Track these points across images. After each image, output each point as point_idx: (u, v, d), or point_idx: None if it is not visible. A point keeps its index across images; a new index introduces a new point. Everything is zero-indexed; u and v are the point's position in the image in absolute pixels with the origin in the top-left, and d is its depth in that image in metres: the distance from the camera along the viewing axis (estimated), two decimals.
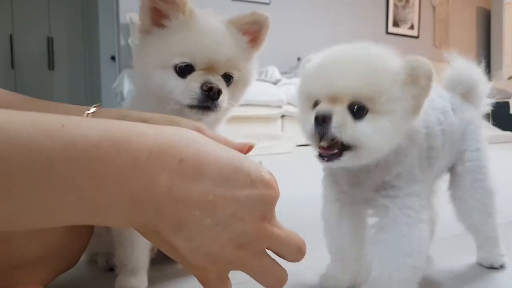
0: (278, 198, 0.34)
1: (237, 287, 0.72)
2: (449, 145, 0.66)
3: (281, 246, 0.34)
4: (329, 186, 0.65)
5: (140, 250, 0.69)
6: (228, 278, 0.35)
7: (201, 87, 0.62)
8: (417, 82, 0.51)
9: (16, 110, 0.27)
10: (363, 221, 0.65)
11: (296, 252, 0.35)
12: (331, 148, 0.50)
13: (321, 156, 0.51)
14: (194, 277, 0.78)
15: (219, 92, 0.62)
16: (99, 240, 0.75)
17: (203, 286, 0.35)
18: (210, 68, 0.63)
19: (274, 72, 3.63)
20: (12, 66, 4.16)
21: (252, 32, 0.69)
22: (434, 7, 5.18)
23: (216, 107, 0.63)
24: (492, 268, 0.75)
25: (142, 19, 0.65)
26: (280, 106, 3.19)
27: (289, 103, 3.18)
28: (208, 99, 0.62)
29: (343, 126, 0.49)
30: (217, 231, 0.31)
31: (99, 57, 3.69)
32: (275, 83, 3.37)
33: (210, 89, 0.61)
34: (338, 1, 4.41)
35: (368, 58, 0.52)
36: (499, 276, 0.74)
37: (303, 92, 0.56)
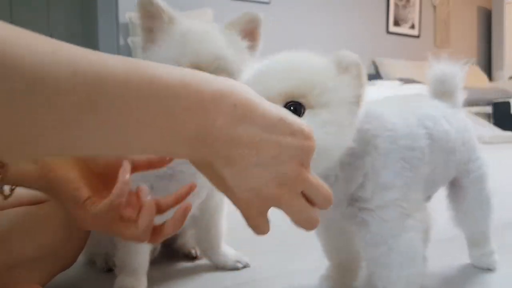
0: (314, 150, 0.39)
1: (237, 287, 0.72)
2: (445, 154, 0.64)
3: (313, 192, 0.39)
4: None
5: (142, 251, 0.69)
6: (267, 217, 0.40)
7: None
8: (348, 72, 0.51)
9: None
10: (347, 231, 0.64)
11: (324, 200, 0.40)
12: None
13: None
14: (189, 278, 0.77)
15: None
16: (98, 240, 0.75)
17: (245, 220, 0.40)
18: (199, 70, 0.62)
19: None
20: None
21: (250, 32, 0.69)
22: (435, 7, 5.18)
23: None
24: (487, 269, 0.76)
25: (141, 39, 0.68)
26: None
27: None
28: None
29: None
30: (260, 170, 0.36)
31: None
32: None
33: None
34: (338, 1, 4.40)
35: (293, 59, 0.53)
36: (494, 276, 0.74)
37: None
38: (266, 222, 0.40)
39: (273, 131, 0.36)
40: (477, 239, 0.76)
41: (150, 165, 0.50)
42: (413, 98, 0.73)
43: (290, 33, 3.85)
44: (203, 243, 0.81)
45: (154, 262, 0.76)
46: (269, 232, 0.41)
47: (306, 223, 0.40)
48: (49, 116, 0.29)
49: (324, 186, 0.40)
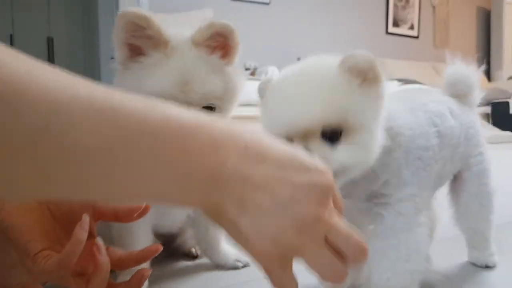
0: (332, 187, 0.36)
1: (237, 287, 0.72)
2: (451, 149, 0.65)
3: (339, 238, 0.36)
4: None
5: None
6: (292, 272, 0.37)
7: None
8: (366, 79, 0.50)
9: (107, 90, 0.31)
10: (360, 224, 0.65)
11: (356, 250, 0.37)
12: None
13: None
14: (189, 277, 0.77)
15: None
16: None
17: (269, 278, 0.37)
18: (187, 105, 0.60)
19: (274, 72, 3.63)
20: None
21: (221, 44, 0.66)
22: (434, 7, 5.18)
23: None
24: (486, 267, 0.76)
25: (118, 54, 0.64)
26: None
27: None
28: None
29: (325, 160, 0.46)
30: (277, 213, 0.34)
31: (99, 57, 3.69)
32: None
33: None
34: (338, 1, 4.40)
35: (321, 84, 0.50)
36: (495, 275, 0.74)
37: (268, 128, 0.53)
38: (293, 279, 0.37)
39: (286, 169, 0.35)
40: (477, 241, 0.76)
41: (116, 216, 0.47)
42: (418, 93, 0.73)
43: (290, 33, 3.85)
44: (203, 242, 0.82)
45: (155, 261, 0.76)
46: None
47: (332, 277, 0.37)
48: (61, 155, 0.27)
49: (355, 235, 0.37)
